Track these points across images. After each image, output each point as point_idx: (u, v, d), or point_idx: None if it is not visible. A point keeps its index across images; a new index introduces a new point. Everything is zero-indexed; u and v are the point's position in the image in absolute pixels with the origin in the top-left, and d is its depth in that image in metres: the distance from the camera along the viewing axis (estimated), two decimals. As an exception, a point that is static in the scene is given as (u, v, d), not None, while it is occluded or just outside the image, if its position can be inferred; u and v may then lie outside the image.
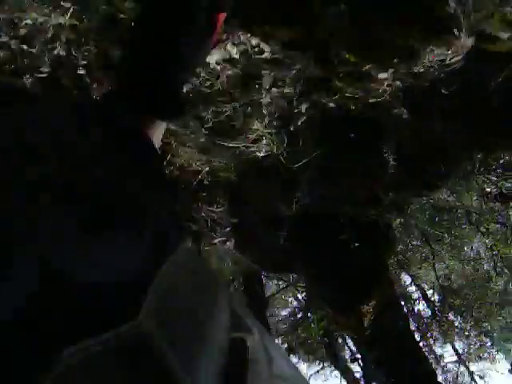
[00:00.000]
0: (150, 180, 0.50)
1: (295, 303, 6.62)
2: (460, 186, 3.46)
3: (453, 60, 2.27)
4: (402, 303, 5.33)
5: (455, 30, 1.94)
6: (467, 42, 1.99)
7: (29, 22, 1.84)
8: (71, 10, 1.79)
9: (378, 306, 2.83)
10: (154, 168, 0.56)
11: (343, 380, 5.34)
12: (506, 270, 5.06)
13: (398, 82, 2.37)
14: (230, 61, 1.95)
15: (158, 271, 0.37)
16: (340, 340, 5.37)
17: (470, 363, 5.43)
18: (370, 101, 2.40)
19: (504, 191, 3.42)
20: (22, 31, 1.86)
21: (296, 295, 6.31)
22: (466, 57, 2.16)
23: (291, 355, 5.42)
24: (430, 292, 5.77)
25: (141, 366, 0.29)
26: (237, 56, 1.95)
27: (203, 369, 0.32)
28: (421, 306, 5.69)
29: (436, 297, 5.71)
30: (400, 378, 2.89)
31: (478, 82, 2.39)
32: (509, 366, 5.55)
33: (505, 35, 1.93)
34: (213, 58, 1.88)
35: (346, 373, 4.65)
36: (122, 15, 1.79)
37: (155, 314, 0.32)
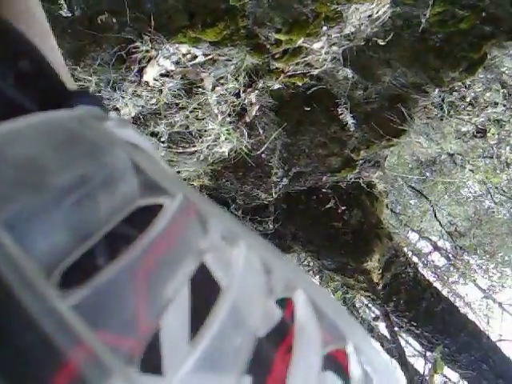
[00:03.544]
0: None
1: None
2: (433, 129, 3.51)
3: (380, 12, 2.34)
4: (416, 259, 5.36)
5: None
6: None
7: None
8: None
9: (382, 259, 2.87)
10: None
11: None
12: (504, 198, 5.09)
13: (334, 48, 2.43)
14: (167, 74, 2.00)
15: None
16: (359, 304, 5.37)
17: (497, 295, 5.45)
18: (314, 72, 2.46)
19: (479, 126, 3.49)
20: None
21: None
22: (391, 4, 2.23)
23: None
24: (440, 242, 5.77)
25: None
26: (172, 67, 2.00)
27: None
28: (435, 257, 5.69)
29: (447, 244, 5.71)
30: (418, 318, 2.93)
31: (409, 24, 2.45)
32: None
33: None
34: (148, 76, 1.93)
35: (371, 332, 4.81)
36: None
37: None
